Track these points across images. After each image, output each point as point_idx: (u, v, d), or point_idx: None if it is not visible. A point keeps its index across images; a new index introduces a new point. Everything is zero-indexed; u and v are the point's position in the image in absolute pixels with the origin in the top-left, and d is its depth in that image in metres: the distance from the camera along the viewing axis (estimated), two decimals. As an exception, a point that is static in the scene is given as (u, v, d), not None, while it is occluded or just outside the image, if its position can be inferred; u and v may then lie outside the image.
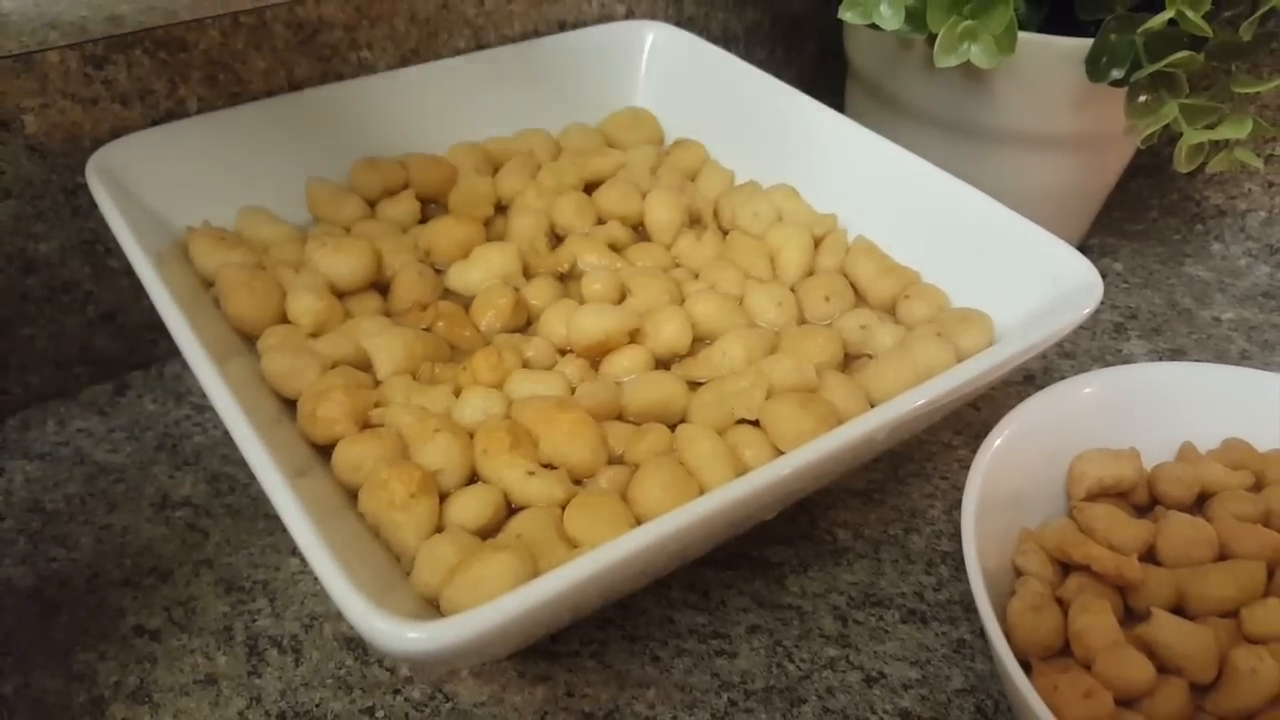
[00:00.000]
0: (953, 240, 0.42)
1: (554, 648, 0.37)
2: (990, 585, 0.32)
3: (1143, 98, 0.44)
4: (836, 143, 0.46)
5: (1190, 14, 0.40)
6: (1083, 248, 0.62)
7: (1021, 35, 0.44)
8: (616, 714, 0.35)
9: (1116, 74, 0.44)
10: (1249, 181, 0.60)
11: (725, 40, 0.62)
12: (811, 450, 0.29)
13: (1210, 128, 0.42)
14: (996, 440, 0.36)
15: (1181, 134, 0.43)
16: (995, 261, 0.40)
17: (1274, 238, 0.60)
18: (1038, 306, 0.38)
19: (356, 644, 0.37)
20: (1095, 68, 0.44)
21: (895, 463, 0.45)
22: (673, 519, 0.26)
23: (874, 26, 0.45)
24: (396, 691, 0.36)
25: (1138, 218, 0.65)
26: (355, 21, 0.48)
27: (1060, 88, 0.47)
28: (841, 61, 0.57)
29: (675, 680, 0.37)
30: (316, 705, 0.35)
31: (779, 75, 0.50)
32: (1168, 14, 0.40)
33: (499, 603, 0.24)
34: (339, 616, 0.38)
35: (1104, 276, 0.59)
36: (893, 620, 0.39)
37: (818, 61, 0.67)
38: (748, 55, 0.59)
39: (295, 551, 0.40)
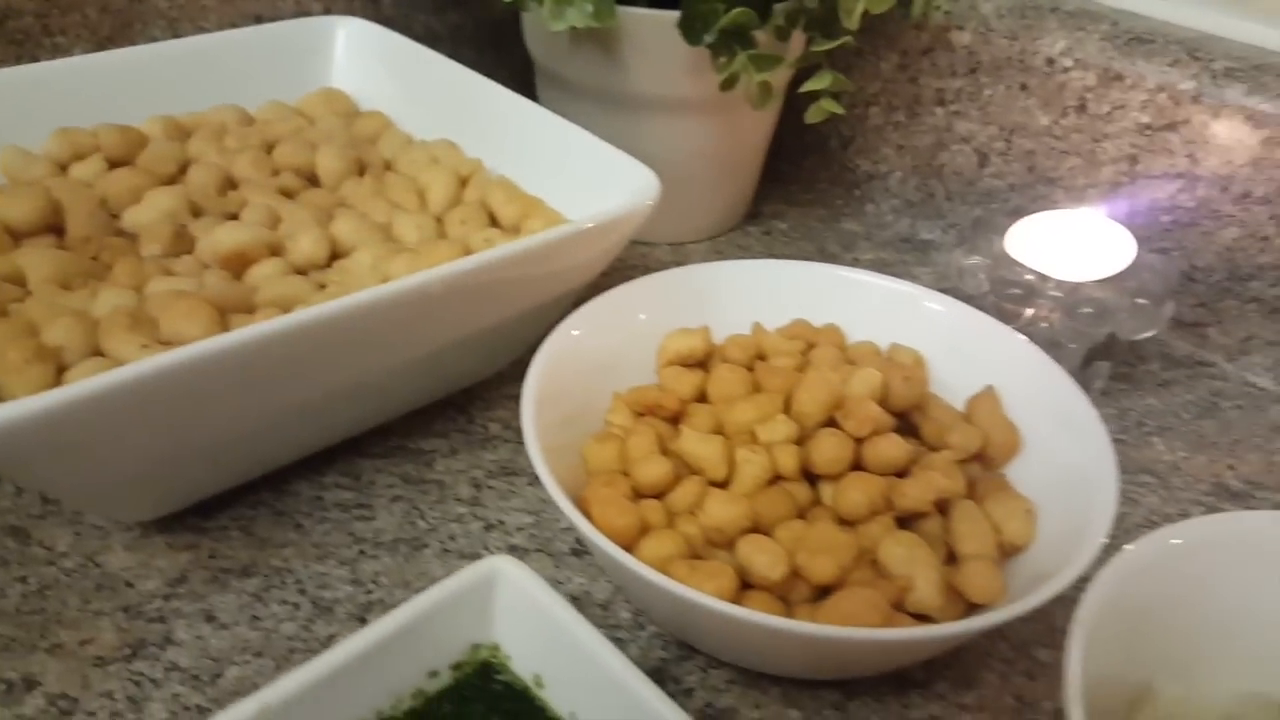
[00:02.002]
0: (562, 171, 0.49)
1: (203, 523, 0.42)
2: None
3: (723, 59, 0.53)
4: (493, 107, 0.54)
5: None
6: (756, 212, 0.71)
7: (629, 9, 0.53)
8: (253, 568, 0.41)
9: (709, 39, 0.53)
10: (884, 146, 0.71)
11: (429, 39, 0.69)
12: (377, 291, 0.36)
13: (766, 69, 0.52)
14: (586, 313, 0.43)
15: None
16: (592, 184, 0.47)
17: (910, 193, 0.71)
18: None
19: (20, 530, 0.41)
20: (690, 33, 0.53)
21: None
22: (231, 338, 0.32)
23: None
24: (51, 564, 0.40)
25: (809, 189, 0.75)
26: (45, 10, 0.53)
27: (678, 56, 0.55)
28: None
29: (313, 540, 0.42)
30: (-26, 577, 0.39)
31: (491, 74, 0.56)
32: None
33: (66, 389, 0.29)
34: (6, 510, 0.42)
35: (768, 234, 0.69)
36: (522, 485, 0.46)
37: (529, 62, 0.75)
38: (456, 55, 0.66)
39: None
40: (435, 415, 0.49)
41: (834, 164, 0.75)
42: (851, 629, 0.31)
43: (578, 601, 0.40)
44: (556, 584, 0.41)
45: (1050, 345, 0.49)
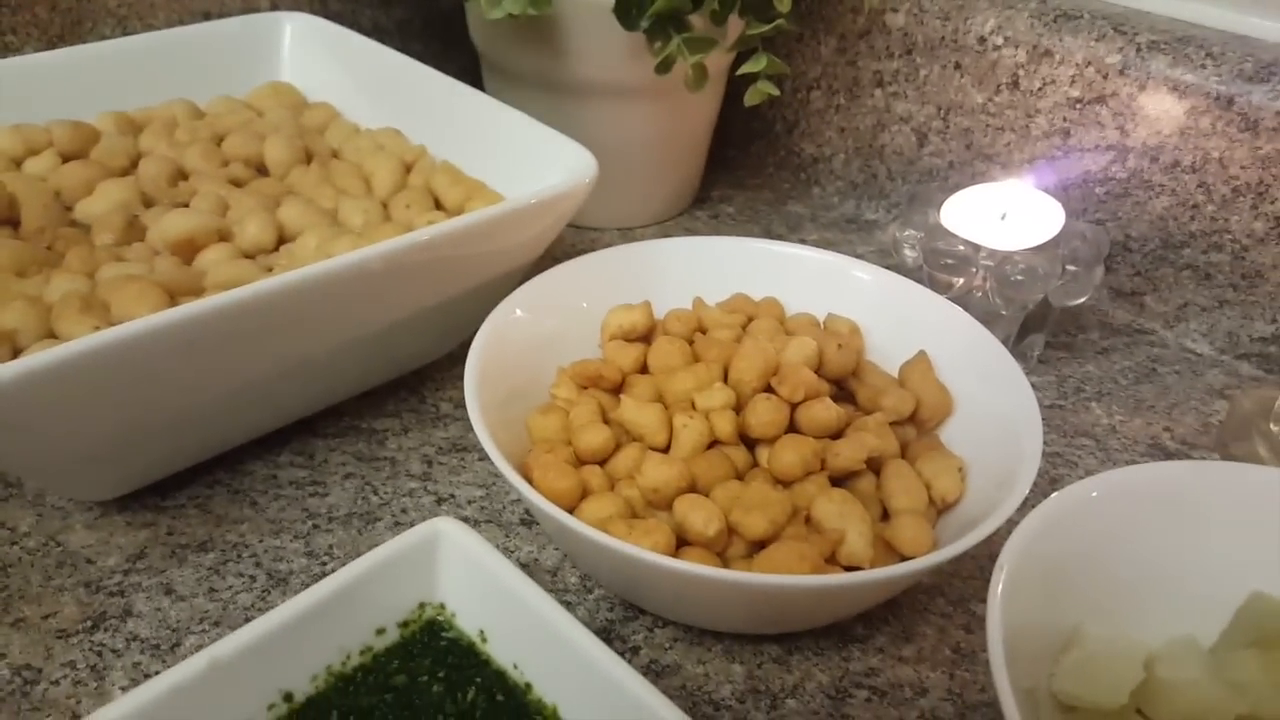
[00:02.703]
0: (504, 154, 0.50)
1: (162, 502, 0.43)
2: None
3: (658, 43, 0.54)
4: (436, 95, 0.55)
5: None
6: (704, 197, 0.73)
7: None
8: (210, 544, 0.42)
9: (645, 24, 0.55)
10: (827, 129, 0.72)
11: (377, 34, 0.70)
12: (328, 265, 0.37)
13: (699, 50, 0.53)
14: (529, 290, 0.45)
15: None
16: (532, 166, 0.49)
17: (853, 174, 0.72)
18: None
19: (-20, 515, 0.42)
20: (626, 18, 0.54)
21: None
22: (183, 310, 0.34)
23: None
24: (14, 543, 0.41)
25: (756, 174, 0.77)
26: (-5, 8, 0.54)
27: (616, 41, 0.57)
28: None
29: (268, 516, 0.43)
30: (-66, 560, 0.40)
31: (438, 68, 0.57)
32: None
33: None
34: (-34, 496, 0.43)
35: (716, 218, 0.70)
36: (472, 460, 0.47)
37: (475, 55, 0.76)
38: (404, 49, 0.67)
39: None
40: (387, 396, 0.50)
41: (780, 148, 0.76)
42: (781, 576, 0.32)
43: (526, 568, 0.42)
44: (507, 553, 0.42)
45: (986, 315, 0.51)
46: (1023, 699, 0.28)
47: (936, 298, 0.47)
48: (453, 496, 0.45)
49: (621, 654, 0.37)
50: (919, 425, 0.44)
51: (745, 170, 0.77)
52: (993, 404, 0.42)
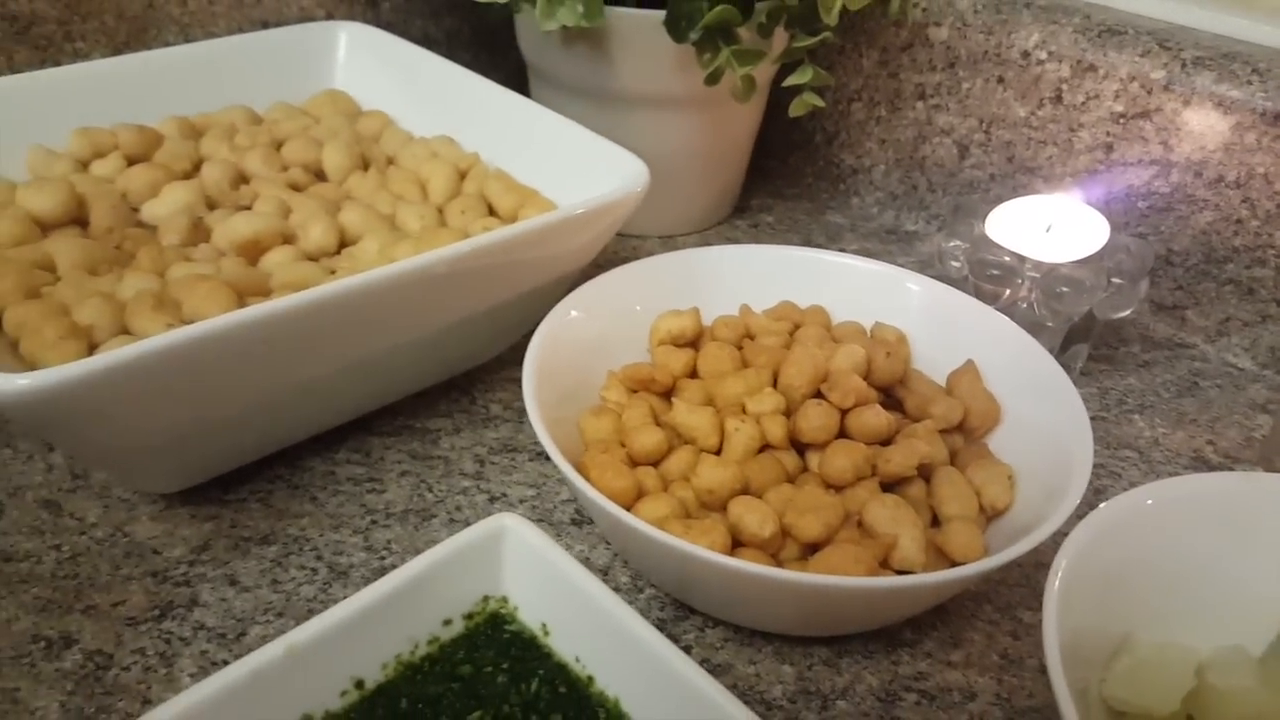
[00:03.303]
0: (556, 162, 0.52)
1: (224, 496, 0.44)
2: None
3: (707, 55, 0.55)
4: (489, 103, 0.56)
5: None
6: (744, 206, 0.73)
7: (616, 9, 0.55)
8: (272, 537, 0.43)
9: (694, 36, 0.56)
10: (868, 140, 0.73)
11: (427, 43, 0.71)
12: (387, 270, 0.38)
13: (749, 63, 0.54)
14: (581, 294, 0.46)
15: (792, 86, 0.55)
16: (584, 174, 0.50)
17: (893, 186, 0.73)
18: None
19: (53, 503, 0.43)
20: (675, 30, 0.55)
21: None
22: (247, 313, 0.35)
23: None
24: (82, 533, 0.42)
25: (795, 184, 0.78)
26: (67, 17, 0.55)
27: (664, 53, 0.58)
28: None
29: (328, 511, 0.44)
30: (11, 546, 0.41)
31: (487, 76, 0.58)
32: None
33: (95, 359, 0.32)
34: (39, 485, 0.44)
35: (755, 227, 0.71)
36: (523, 460, 0.48)
37: (523, 65, 0.78)
38: (453, 58, 0.68)
39: None
40: (440, 397, 0.51)
41: (819, 159, 0.77)
42: (837, 577, 0.33)
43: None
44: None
45: (1031, 325, 0.52)
46: (1076, 700, 0.28)
47: (984, 307, 0.47)
48: (504, 495, 0.46)
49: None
50: (967, 434, 0.44)
51: (784, 180, 0.78)
52: (1041, 413, 0.43)
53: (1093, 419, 0.53)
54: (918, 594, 0.35)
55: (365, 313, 0.40)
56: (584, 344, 0.46)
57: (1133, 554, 0.35)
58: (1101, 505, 0.34)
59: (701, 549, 0.33)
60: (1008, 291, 0.52)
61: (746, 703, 0.36)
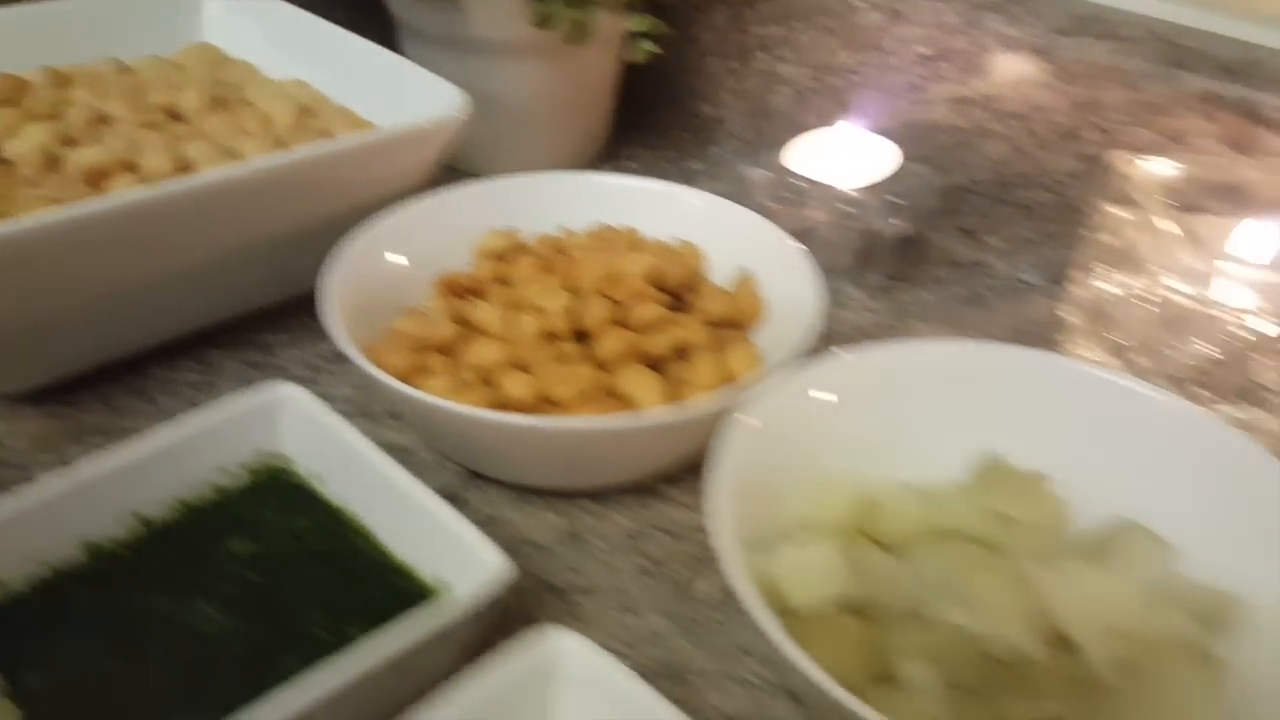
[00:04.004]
0: (394, 100, 0.57)
1: (69, 397, 0.49)
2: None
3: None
4: (344, 49, 0.62)
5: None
6: (613, 155, 0.78)
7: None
8: (109, 430, 0.48)
9: (526, -19, 0.61)
10: (722, 91, 0.78)
11: (305, 4, 0.76)
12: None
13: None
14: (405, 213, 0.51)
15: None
16: (422, 110, 0.54)
17: (746, 134, 0.78)
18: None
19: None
20: (506, -23, 0.60)
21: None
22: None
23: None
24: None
25: (662, 135, 0.82)
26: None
27: (511, 1, 0.63)
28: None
29: (163, 409, 0.49)
30: None
31: (362, 34, 0.62)
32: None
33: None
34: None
35: (618, 171, 0.75)
36: (355, 368, 0.53)
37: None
38: (328, 17, 0.73)
39: None
40: (283, 315, 0.56)
41: (683, 111, 0.82)
42: (569, 419, 0.38)
43: (390, 448, 0.48)
44: (371, 437, 0.48)
45: (826, 245, 0.57)
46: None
47: (764, 222, 0.53)
48: (331, 395, 0.51)
49: (462, 511, 0.43)
50: (739, 327, 0.50)
51: (653, 133, 0.83)
52: (796, 307, 0.48)
53: (880, 327, 0.58)
54: (647, 436, 0.40)
55: (178, 221, 0.44)
56: (415, 256, 0.51)
57: (814, 408, 0.40)
58: (786, 364, 0.39)
59: (454, 403, 0.38)
60: (804, 213, 0.58)
61: (516, 544, 0.42)
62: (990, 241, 0.66)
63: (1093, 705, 0.32)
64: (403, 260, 0.51)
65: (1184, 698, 0.31)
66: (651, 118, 0.84)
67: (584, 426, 0.38)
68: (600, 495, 0.45)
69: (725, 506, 0.34)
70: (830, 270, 0.60)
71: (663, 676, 0.38)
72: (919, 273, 0.65)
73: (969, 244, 0.67)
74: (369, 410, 0.50)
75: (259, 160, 0.45)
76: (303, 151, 0.47)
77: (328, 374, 0.52)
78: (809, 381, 0.40)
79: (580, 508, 0.45)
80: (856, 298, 0.61)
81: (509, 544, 0.42)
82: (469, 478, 0.46)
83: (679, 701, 0.36)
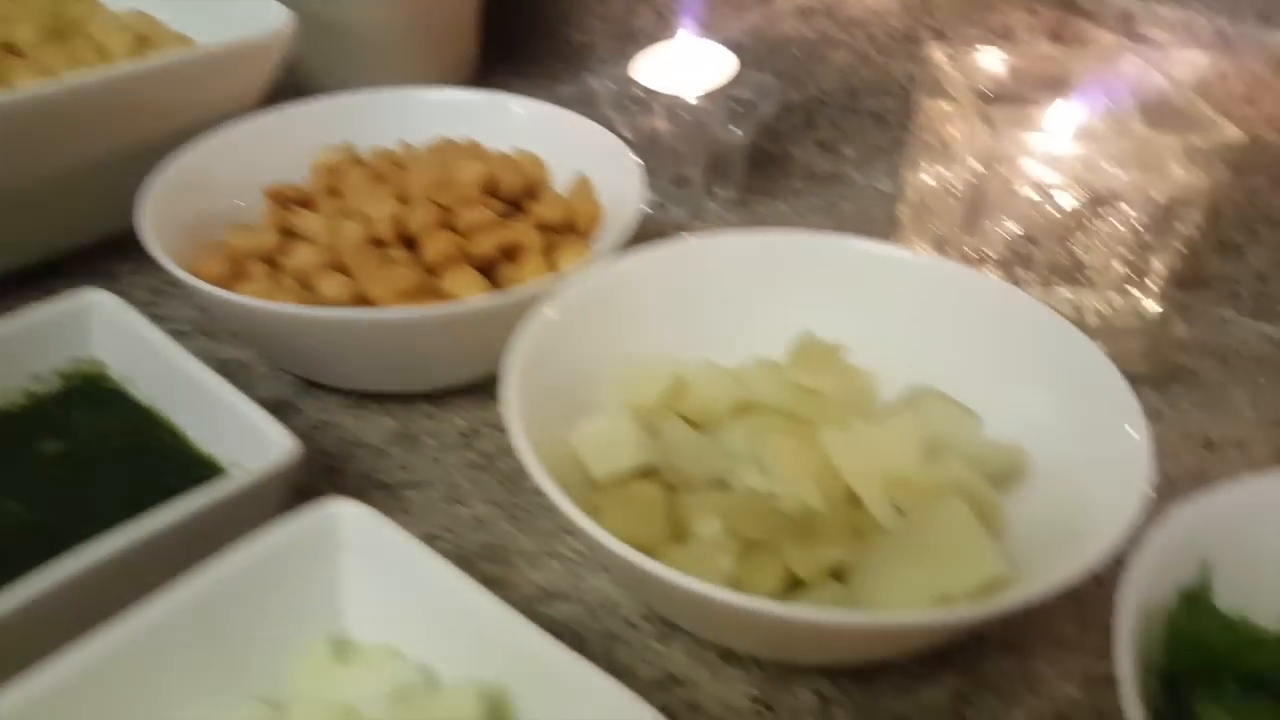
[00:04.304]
0: (218, 16, 0.56)
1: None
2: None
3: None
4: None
5: None
6: (485, 83, 0.78)
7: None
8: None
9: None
10: (590, 17, 0.79)
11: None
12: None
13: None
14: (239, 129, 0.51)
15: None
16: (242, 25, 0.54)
17: (613, 58, 0.79)
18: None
19: None
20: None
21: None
22: None
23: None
24: None
25: (536, 63, 0.83)
26: None
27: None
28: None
29: None
30: None
31: None
32: None
33: None
34: None
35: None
36: (198, 291, 0.53)
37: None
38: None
39: None
40: (130, 243, 0.55)
41: (555, 38, 0.82)
42: (368, 309, 0.39)
43: (227, 363, 0.48)
44: (210, 355, 0.48)
45: (672, 155, 0.58)
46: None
47: (601, 130, 0.53)
48: (173, 317, 0.51)
49: (290, 416, 0.44)
50: (578, 233, 0.51)
51: (528, 61, 0.83)
52: (632, 210, 0.49)
53: (728, 232, 0.59)
54: (447, 324, 0.41)
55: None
56: (252, 175, 0.51)
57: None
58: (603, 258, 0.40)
59: (260, 300, 0.39)
60: (646, 123, 0.59)
61: (346, 445, 0.42)
62: (846, 153, 0.67)
63: (871, 548, 0.34)
64: (238, 177, 0.51)
65: (951, 534, 0.33)
66: (523, 47, 0.84)
67: (388, 316, 0.39)
68: (437, 399, 0.46)
69: (517, 386, 0.35)
70: (682, 183, 0.61)
71: (484, 558, 0.39)
72: (778, 186, 0.66)
73: (827, 156, 0.68)
74: (208, 329, 0.50)
75: (74, 78, 0.45)
76: (117, 69, 0.46)
77: (169, 297, 0.52)
78: (622, 271, 0.41)
79: (418, 411, 0.46)
80: (713, 210, 0.63)
81: (339, 446, 0.43)
82: (304, 387, 0.47)
83: (498, 580, 0.38)
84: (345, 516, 0.30)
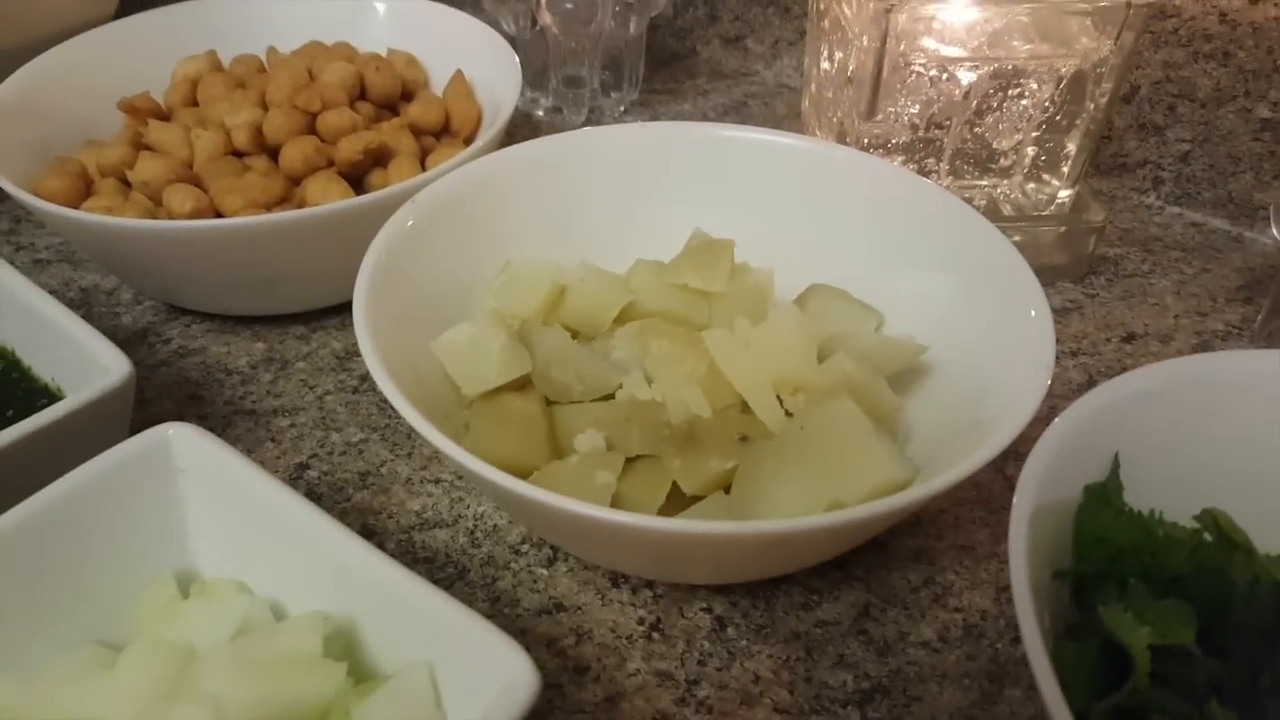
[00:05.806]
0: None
1: None
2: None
3: None
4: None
5: None
6: None
7: None
8: None
9: None
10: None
11: None
12: None
13: None
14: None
15: None
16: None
17: None
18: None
19: None
20: None
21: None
22: None
23: None
24: None
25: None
26: None
27: None
28: None
29: None
30: None
31: None
32: None
33: None
34: None
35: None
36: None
37: None
38: None
39: None
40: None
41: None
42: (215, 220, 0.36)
43: (91, 290, 0.45)
44: (72, 282, 0.45)
45: (559, 49, 0.55)
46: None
47: (480, 26, 0.50)
48: (34, 245, 0.47)
49: (157, 344, 0.41)
50: (454, 135, 0.47)
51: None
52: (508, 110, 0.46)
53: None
54: (298, 229, 0.37)
55: None
56: (108, 87, 0.47)
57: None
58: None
59: (100, 216, 0.36)
60: (525, 19, 0.55)
61: (211, 372, 0.39)
62: (754, 49, 0.64)
63: (761, 457, 0.32)
64: (95, 90, 0.47)
65: (843, 438, 0.31)
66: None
67: (231, 225, 0.36)
68: (312, 321, 0.43)
69: (369, 296, 0.32)
70: (576, 83, 0.58)
71: (360, 486, 0.37)
72: (683, 86, 0.63)
73: (735, 53, 0.65)
74: (71, 256, 0.47)
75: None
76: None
77: (30, 225, 0.48)
78: (489, 170, 0.38)
79: (290, 334, 0.43)
80: (613, 113, 0.59)
81: (203, 373, 0.40)
82: (171, 313, 0.44)
83: (375, 508, 0.36)
84: (175, 440, 0.28)
